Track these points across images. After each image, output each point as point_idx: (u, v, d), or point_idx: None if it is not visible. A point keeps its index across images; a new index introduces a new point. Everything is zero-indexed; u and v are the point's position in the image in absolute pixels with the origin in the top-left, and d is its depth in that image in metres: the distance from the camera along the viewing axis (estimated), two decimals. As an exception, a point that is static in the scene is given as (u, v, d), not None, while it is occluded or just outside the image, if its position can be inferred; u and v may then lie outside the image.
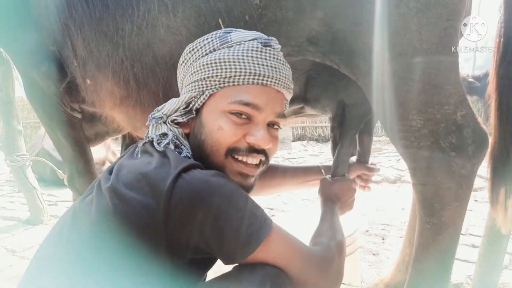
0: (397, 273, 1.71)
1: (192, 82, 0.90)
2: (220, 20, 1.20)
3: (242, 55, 0.86)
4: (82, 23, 1.29)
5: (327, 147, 8.44)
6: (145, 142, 0.88)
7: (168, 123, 0.90)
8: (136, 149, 0.88)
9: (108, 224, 0.73)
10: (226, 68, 0.86)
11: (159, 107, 0.94)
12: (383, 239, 2.69)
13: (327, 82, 1.37)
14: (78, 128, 1.66)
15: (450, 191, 1.15)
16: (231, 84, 0.86)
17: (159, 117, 0.91)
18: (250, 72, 0.86)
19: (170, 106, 0.91)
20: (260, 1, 1.14)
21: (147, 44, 1.27)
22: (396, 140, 1.18)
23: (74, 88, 1.47)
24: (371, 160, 1.57)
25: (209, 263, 0.91)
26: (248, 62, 0.86)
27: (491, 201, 1.33)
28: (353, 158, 1.55)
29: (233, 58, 0.86)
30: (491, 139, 1.27)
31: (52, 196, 4.42)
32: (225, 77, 0.86)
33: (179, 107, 0.90)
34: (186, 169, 0.74)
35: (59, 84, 1.46)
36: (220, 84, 0.87)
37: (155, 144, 0.85)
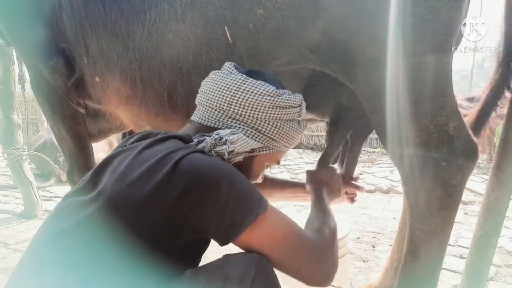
0: (386, 278, 1.76)
1: (263, 135, 1.00)
2: (226, 28, 1.26)
3: (298, 132, 1.07)
4: (97, 24, 1.35)
5: (322, 155, 8.44)
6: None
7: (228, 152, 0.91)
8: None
9: (115, 206, 0.76)
10: (293, 143, 1.07)
11: (222, 133, 0.93)
12: (373, 247, 2.74)
13: (327, 89, 1.43)
14: (80, 123, 1.70)
15: (440, 199, 1.20)
16: (283, 149, 1.06)
17: (222, 140, 0.91)
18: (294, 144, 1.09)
19: (239, 140, 0.93)
20: (264, 11, 1.19)
21: (155, 47, 1.33)
22: (390, 149, 1.24)
23: (82, 84, 1.53)
24: (365, 170, 1.63)
25: (200, 250, 0.94)
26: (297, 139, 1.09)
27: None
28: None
29: (297, 134, 1.07)
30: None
31: (47, 191, 4.42)
32: (287, 146, 1.07)
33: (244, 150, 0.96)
34: (191, 153, 0.81)
35: (67, 80, 1.51)
36: (280, 148, 1.05)
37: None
